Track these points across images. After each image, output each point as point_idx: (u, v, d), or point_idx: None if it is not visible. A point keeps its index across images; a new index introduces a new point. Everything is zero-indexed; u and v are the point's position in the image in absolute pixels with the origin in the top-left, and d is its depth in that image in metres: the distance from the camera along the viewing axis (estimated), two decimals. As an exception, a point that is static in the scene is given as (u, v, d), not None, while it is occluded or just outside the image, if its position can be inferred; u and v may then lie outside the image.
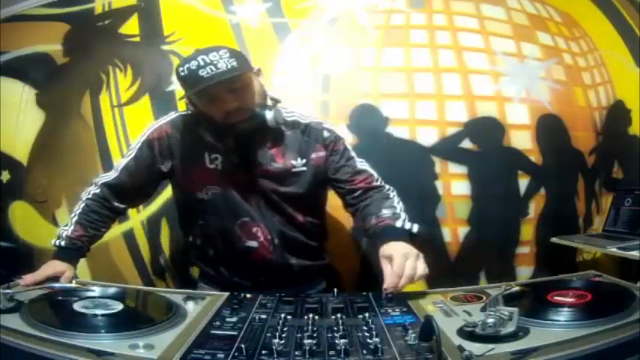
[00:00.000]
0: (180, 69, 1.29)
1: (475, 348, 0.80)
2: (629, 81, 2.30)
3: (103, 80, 2.14)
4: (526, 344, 0.82)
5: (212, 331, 0.94)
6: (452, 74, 2.08)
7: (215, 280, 1.47)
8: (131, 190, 1.42)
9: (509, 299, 0.98)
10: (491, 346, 0.81)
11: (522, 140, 2.09)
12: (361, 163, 1.48)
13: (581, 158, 2.19)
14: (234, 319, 1.00)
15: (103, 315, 0.98)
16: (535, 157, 2.10)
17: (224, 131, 1.34)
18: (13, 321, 0.91)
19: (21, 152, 2.14)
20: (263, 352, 0.83)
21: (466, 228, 2.05)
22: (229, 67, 1.25)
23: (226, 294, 1.20)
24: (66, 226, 1.36)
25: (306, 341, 0.84)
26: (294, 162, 1.39)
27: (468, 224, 2.05)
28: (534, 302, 1.05)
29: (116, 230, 2.04)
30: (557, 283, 1.17)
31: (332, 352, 0.82)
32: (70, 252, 1.33)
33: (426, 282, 2.04)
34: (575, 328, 0.87)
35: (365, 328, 0.94)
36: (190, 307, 1.10)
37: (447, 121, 2.05)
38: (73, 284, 1.23)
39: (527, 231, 2.10)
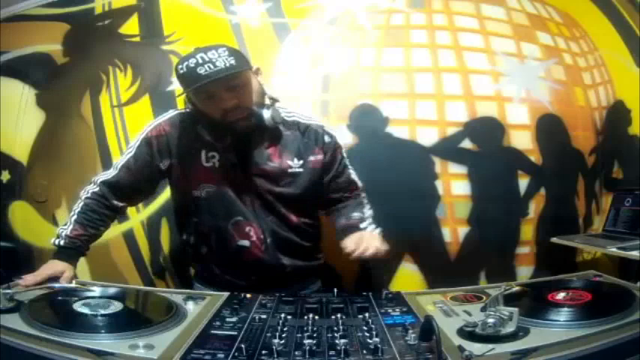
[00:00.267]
0: (179, 66, 1.30)
1: (475, 348, 0.80)
2: (629, 81, 2.29)
3: (103, 80, 2.14)
4: (526, 344, 0.82)
5: (212, 331, 0.94)
6: (452, 74, 2.08)
7: (208, 280, 1.47)
8: (130, 188, 1.42)
9: (509, 299, 0.98)
10: (491, 346, 0.81)
11: (522, 140, 2.09)
12: (352, 171, 1.55)
13: (581, 158, 2.19)
14: (234, 319, 1.00)
15: (103, 315, 0.99)
16: (535, 157, 2.10)
17: (222, 130, 1.35)
18: (13, 321, 0.91)
19: (21, 152, 2.14)
20: (263, 352, 0.83)
21: (466, 228, 2.05)
22: (227, 65, 1.26)
23: (226, 294, 1.20)
24: (65, 225, 1.36)
25: (306, 341, 0.84)
26: (290, 162, 1.40)
27: (468, 224, 2.05)
28: (534, 302, 1.05)
29: (116, 230, 2.04)
30: (557, 283, 1.17)
31: (332, 352, 0.82)
32: (70, 251, 1.33)
33: (426, 282, 2.05)
34: (575, 328, 0.87)
35: (365, 328, 0.94)
36: (190, 307, 1.11)
37: (447, 121, 2.05)
38: (73, 284, 1.23)
39: (527, 231, 2.10)
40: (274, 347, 0.83)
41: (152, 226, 2.04)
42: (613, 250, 1.78)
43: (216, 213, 1.38)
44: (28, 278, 1.20)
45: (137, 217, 2.05)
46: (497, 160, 2.09)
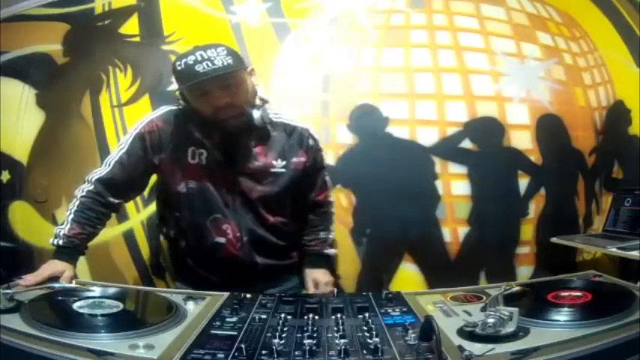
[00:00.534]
0: (177, 63, 1.32)
1: (475, 348, 0.80)
2: (629, 81, 2.30)
3: (103, 80, 2.14)
4: (526, 344, 0.82)
5: (212, 331, 0.94)
6: (452, 74, 2.08)
7: (186, 277, 1.50)
8: (125, 183, 1.43)
9: (509, 299, 0.98)
10: (491, 346, 0.81)
11: (522, 140, 2.09)
12: (326, 173, 1.58)
13: (581, 158, 2.19)
14: (234, 319, 1.00)
15: (103, 315, 0.98)
16: (535, 157, 2.10)
17: (211, 127, 1.38)
18: (13, 321, 0.91)
19: (21, 152, 2.14)
20: (263, 352, 0.83)
21: (466, 228, 2.05)
22: (225, 64, 1.29)
23: (226, 294, 1.20)
24: (62, 224, 1.36)
25: (306, 341, 0.84)
26: (274, 162, 1.43)
27: (468, 224, 2.05)
28: (534, 302, 1.05)
29: (116, 230, 2.04)
30: (557, 283, 1.17)
31: (332, 352, 0.82)
32: (69, 251, 1.33)
33: (426, 282, 2.06)
34: (575, 328, 0.87)
35: (365, 328, 0.94)
36: (190, 307, 1.10)
37: (447, 121, 2.06)
38: (73, 284, 1.23)
39: (527, 231, 2.10)
40: (274, 347, 0.83)
41: (152, 226, 2.04)
42: (613, 250, 1.78)
43: (197, 209, 1.41)
44: (28, 278, 1.20)
45: (137, 217, 2.05)
46: (497, 160, 2.10)
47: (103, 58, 2.16)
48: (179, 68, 1.31)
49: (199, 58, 1.27)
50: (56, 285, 1.18)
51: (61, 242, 1.33)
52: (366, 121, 2.05)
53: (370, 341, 0.85)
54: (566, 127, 2.16)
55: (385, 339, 0.88)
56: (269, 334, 0.91)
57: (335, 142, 2.05)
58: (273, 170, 1.43)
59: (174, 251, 1.51)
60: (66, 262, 1.30)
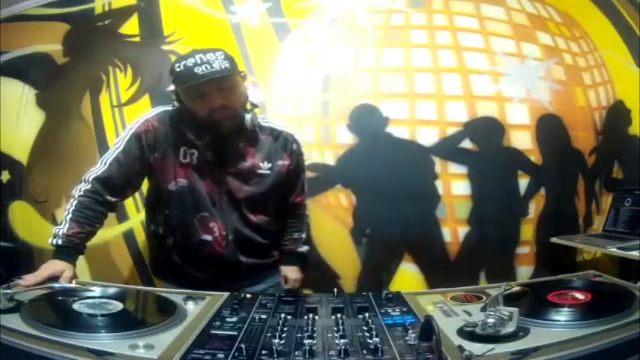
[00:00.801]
0: (177, 65, 1.37)
1: (475, 348, 0.80)
2: (629, 81, 2.30)
3: (103, 80, 2.14)
4: (526, 344, 0.82)
5: (212, 331, 0.94)
6: (452, 74, 2.08)
7: (172, 275, 1.52)
8: (121, 182, 1.45)
9: (509, 299, 0.98)
10: (491, 346, 0.81)
11: (522, 140, 2.09)
12: (305, 179, 1.65)
13: (581, 158, 2.19)
14: (234, 319, 1.00)
15: (103, 315, 0.98)
16: (535, 157, 2.10)
17: (203, 129, 1.42)
18: (13, 321, 0.91)
19: (21, 152, 2.14)
20: (263, 352, 0.83)
21: (466, 228, 2.05)
22: (222, 67, 1.35)
23: (226, 294, 1.20)
24: (61, 224, 1.37)
25: (306, 341, 0.84)
26: (261, 164, 1.49)
27: (468, 224, 2.05)
28: (534, 302, 1.05)
29: (116, 230, 2.04)
30: (557, 283, 1.17)
31: (332, 352, 0.82)
32: (68, 250, 1.33)
33: (426, 282, 2.06)
34: (575, 328, 0.87)
35: (365, 328, 0.94)
36: (190, 307, 1.11)
37: (447, 121, 2.06)
38: (73, 284, 1.23)
39: (527, 231, 2.10)
40: (274, 347, 0.83)
41: (152, 226, 2.04)
42: (613, 250, 1.78)
43: (186, 207, 1.45)
44: (28, 278, 1.20)
45: (137, 217, 2.05)
46: (497, 160, 2.09)
47: (103, 58, 2.16)
48: (178, 70, 1.37)
49: (199, 61, 1.34)
50: (56, 285, 1.18)
51: (60, 242, 1.33)
52: (366, 121, 2.05)
53: (370, 341, 0.85)
54: (566, 127, 2.15)
55: (385, 339, 0.88)
56: (269, 334, 0.91)
57: (335, 142, 2.05)
58: (259, 172, 1.49)
59: (162, 249, 1.54)
60: (66, 262, 1.30)
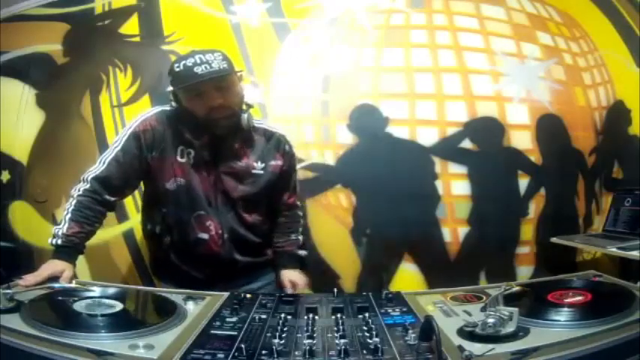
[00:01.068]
0: (176, 64, 1.39)
1: (475, 348, 0.80)
2: (629, 81, 2.30)
3: (103, 80, 2.14)
4: (526, 344, 0.82)
5: (212, 331, 0.94)
6: (452, 74, 2.08)
7: (169, 274, 1.54)
8: (120, 181, 1.46)
9: (509, 299, 0.98)
10: (491, 346, 0.81)
11: (522, 140, 2.09)
12: (296, 180, 1.67)
13: (581, 158, 2.19)
14: (234, 319, 1.00)
15: (103, 315, 0.98)
16: (535, 157, 2.10)
17: (201, 128, 1.44)
18: (13, 321, 0.91)
19: (21, 152, 2.14)
20: (263, 352, 0.83)
21: (466, 228, 2.05)
22: (221, 67, 1.38)
23: (226, 294, 1.20)
24: (60, 224, 1.37)
25: (306, 341, 0.84)
26: (254, 164, 1.51)
27: (468, 224, 2.05)
28: (534, 302, 1.05)
29: (116, 230, 2.04)
30: (557, 283, 1.17)
31: (332, 352, 0.82)
32: (68, 250, 1.34)
33: (426, 282, 2.06)
34: (575, 328, 0.87)
35: (365, 328, 0.94)
36: (190, 307, 1.11)
37: (447, 121, 2.06)
38: (73, 284, 1.23)
39: (527, 231, 2.10)
40: (274, 347, 0.83)
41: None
42: (613, 250, 1.78)
43: (183, 206, 1.46)
44: (28, 278, 1.20)
45: (137, 217, 2.04)
46: (497, 160, 2.09)
47: (103, 58, 2.16)
48: (177, 70, 1.39)
49: (198, 61, 1.36)
50: (56, 285, 1.18)
51: (59, 242, 1.33)
52: (366, 121, 2.05)
53: (370, 341, 0.85)
54: (566, 127, 2.15)
55: (385, 339, 0.88)
56: (269, 334, 0.91)
57: (335, 142, 2.05)
58: (253, 172, 1.51)
59: (158, 248, 1.55)
60: (65, 262, 1.30)
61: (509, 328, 0.84)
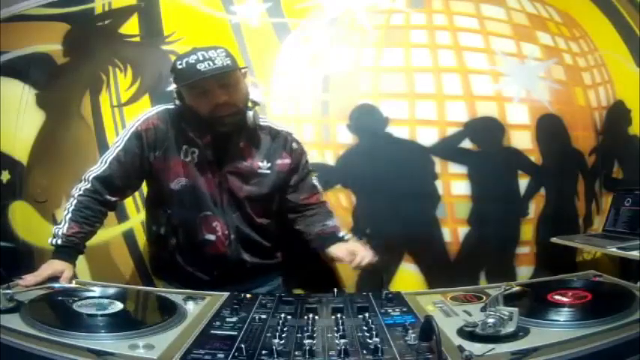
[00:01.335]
0: (179, 62, 1.37)
1: (475, 348, 0.80)
2: (629, 81, 2.29)
3: (103, 80, 2.14)
4: (526, 344, 0.82)
5: (212, 331, 0.94)
6: (452, 74, 2.08)
7: (174, 275, 1.51)
8: (121, 181, 1.45)
9: (509, 299, 0.98)
10: (491, 346, 0.81)
11: (522, 140, 2.09)
12: (314, 177, 1.61)
13: (581, 158, 2.19)
14: (234, 319, 1.00)
15: (103, 315, 0.99)
16: (535, 157, 2.10)
17: (204, 127, 1.42)
18: (13, 321, 0.91)
19: (21, 152, 2.14)
20: (263, 352, 0.83)
21: (466, 228, 2.05)
22: (224, 64, 1.35)
23: (226, 294, 1.20)
24: (60, 224, 1.37)
25: (306, 341, 0.84)
26: (260, 163, 1.48)
27: (468, 224, 2.05)
28: (534, 302, 1.05)
29: (116, 230, 2.04)
30: (557, 283, 1.17)
31: (332, 352, 0.83)
32: (68, 250, 1.34)
33: (426, 282, 2.05)
34: (575, 328, 0.87)
35: (365, 328, 0.94)
36: (190, 307, 1.11)
37: (447, 121, 2.05)
38: (73, 284, 1.23)
39: (527, 231, 2.10)
40: (274, 347, 0.83)
41: (152, 226, 2.04)
42: (613, 250, 1.78)
43: (188, 206, 1.44)
44: (28, 278, 1.20)
45: (137, 217, 2.05)
46: (497, 160, 2.09)
47: (103, 58, 2.15)
48: (180, 67, 1.36)
49: (201, 58, 1.33)
50: (56, 285, 1.19)
51: (59, 242, 1.33)
52: (366, 121, 2.05)
53: (370, 341, 0.85)
54: (566, 127, 2.15)
55: (385, 339, 0.88)
56: (269, 334, 0.91)
57: (335, 142, 2.05)
58: (259, 171, 1.48)
59: (164, 250, 1.52)
60: (65, 262, 1.30)
61: (509, 328, 0.84)
